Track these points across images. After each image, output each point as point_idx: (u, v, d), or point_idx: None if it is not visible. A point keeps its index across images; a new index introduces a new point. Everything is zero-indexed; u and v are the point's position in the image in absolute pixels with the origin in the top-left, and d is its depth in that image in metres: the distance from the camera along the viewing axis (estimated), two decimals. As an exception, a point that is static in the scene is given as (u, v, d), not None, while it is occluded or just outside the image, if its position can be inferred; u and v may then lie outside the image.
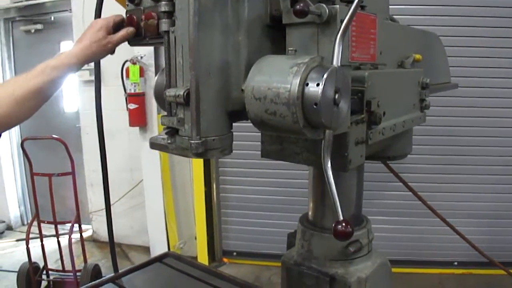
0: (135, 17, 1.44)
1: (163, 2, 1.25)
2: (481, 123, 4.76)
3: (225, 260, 5.52)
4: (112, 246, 2.16)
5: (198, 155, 1.17)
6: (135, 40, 1.51)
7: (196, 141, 1.15)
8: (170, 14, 1.25)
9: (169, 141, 1.26)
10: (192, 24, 1.10)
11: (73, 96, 6.39)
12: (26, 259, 4.64)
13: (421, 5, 4.60)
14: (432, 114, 1.77)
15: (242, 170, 5.24)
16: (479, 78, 4.64)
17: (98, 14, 1.64)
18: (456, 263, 5.02)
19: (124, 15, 1.51)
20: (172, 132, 1.25)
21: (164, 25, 1.26)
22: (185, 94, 1.15)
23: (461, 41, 4.53)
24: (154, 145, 1.34)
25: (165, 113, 1.30)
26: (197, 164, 5.11)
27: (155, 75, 5.15)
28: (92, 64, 5.75)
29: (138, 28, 1.45)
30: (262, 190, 5.27)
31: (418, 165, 4.62)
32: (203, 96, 1.15)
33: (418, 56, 1.70)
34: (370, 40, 1.35)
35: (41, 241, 4.59)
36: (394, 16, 1.69)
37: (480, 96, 4.69)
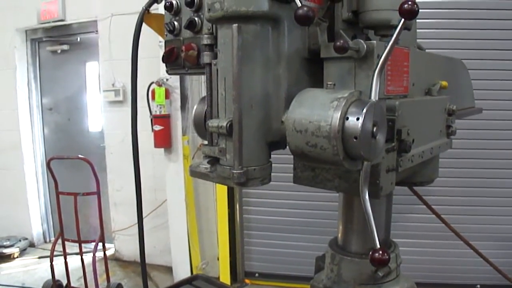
0: (175, 48, 1.47)
1: (205, 36, 1.28)
2: (505, 145, 4.77)
3: (247, 281, 5.53)
4: (143, 269, 2.16)
5: (239, 185, 1.19)
6: (174, 69, 1.54)
7: (238, 171, 1.17)
8: (211, 46, 1.28)
9: (210, 170, 1.28)
10: (235, 59, 1.13)
11: (97, 116, 6.48)
12: (48, 277, 4.71)
13: (445, 29, 4.63)
14: (455, 136, 1.80)
15: (265, 192, 5.25)
16: (502, 101, 4.66)
17: (135, 44, 1.67)
18: (478, 286, 4.98)
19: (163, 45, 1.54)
20: (214, 161, 1.27)
21: (206, 58, 1.28)
22: (228, 125, 1.17)
23: (484, 64, 4.55)
24: (194, 173, 1.35)
25: (205, 142, 1.32)
26: (221, 186, 5.09)
27: (180, 97, 5.18)
28: (117, 85, 5.87)
29: (178, 58, 1.48)
30: (284, 212, 5.29)
31: (441, 188, 4.61)
32: (245, 128, 1.17)
33: (444, 83, 1.72)
34: (404, 73, 1.38)
35: (65, 259, 4.64)
36: (418, 40, 1.72)
37: (503, 119, 4.71)
